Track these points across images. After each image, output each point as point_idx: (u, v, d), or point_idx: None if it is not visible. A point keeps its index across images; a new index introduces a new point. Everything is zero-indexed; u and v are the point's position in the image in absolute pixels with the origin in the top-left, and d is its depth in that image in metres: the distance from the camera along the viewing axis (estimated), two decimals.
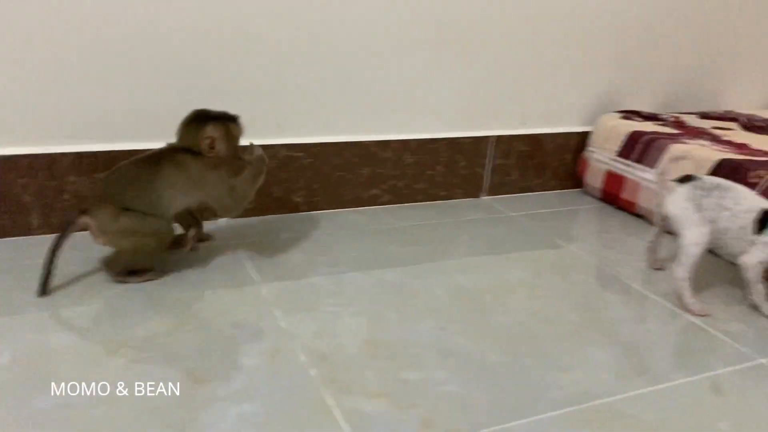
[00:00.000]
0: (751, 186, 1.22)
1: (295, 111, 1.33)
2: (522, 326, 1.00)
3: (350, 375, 0.86)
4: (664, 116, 1.59)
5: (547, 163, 1.62)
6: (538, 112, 1.58)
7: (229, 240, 1.24)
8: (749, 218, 1.06)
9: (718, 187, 1.10)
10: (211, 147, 1.05)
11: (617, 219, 1.49)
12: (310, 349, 0.91)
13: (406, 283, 1.11)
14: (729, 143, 1.41)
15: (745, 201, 1.08)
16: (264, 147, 1.30)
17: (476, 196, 1.57)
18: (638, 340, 0.99)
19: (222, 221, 1.31)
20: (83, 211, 1.02)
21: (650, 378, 0.89)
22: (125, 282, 1.06)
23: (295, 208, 1.39)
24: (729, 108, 1.82)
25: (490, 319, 1.02)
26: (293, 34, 1.27)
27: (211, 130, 1.05)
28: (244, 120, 1.08)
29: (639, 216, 1.48)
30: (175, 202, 1.05)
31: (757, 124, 1.61)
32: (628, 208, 1.49)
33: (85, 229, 1.02)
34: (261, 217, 1.36)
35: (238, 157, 1.10)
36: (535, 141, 1.58)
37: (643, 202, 1.43)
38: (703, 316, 1.08)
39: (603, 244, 1.35)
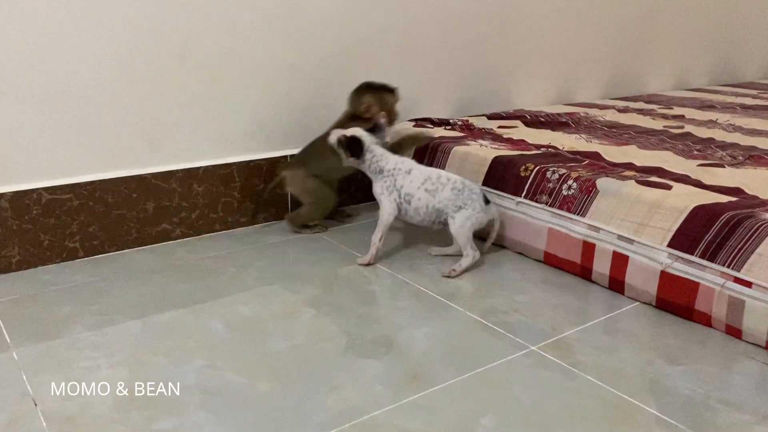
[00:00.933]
0: (522, 179, 1.28)
1: (49, 150, 1.22)
2: (299, 350, 0.97)
3: None
4: (454, 121, 1.64)
5: (351, 178, 1.61)
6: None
7: None
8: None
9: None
10: (366, 111, 1.36)
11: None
12: (54, 413, 0.81)
13: (182, 322, 1.04)
14: (509, 141, 1.48)
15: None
16: (22, 192, 1.19)
17: (282, 218, 1.53)
18: (416, 346, 0.98)
19: None
20: (285, 167, 1.42)
21: (421, 384, 0.88)
22: (300, 232, 1.43)
23: (72, 255, 1.27)
24: (519, 107, 1.93)
25: (267, 347, 0.97)
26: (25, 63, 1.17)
27: (368, 98, 1.37)
28: None
29: None
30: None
31: (540, 119, 1.71)
32: None
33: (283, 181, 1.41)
34: (29, 270, 1.22)
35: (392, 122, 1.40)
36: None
37: None
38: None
39: (402, 252, 1.35)
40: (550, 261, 1.24)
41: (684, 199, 1.06)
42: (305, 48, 1.48)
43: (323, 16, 1.49)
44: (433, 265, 1.27)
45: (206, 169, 1.38)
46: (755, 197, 1.08)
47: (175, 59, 1.31)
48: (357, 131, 1.27)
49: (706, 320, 1.03)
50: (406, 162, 1.28)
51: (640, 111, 1.89)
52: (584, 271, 1.19)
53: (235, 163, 1.42)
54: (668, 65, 2.44)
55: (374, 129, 1.31)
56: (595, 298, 1.16)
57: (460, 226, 1.22)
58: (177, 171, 1.35)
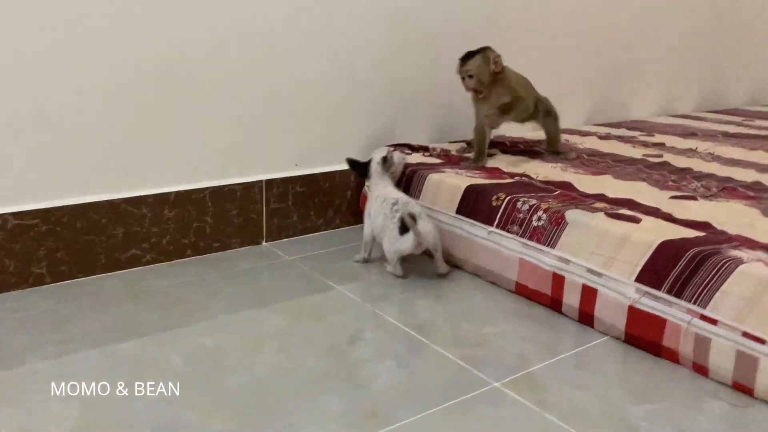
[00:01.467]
0: (494, 209, 1.27)
1: (17, 175, 1.21)
2: (259, 384, 0.95)
3: None
4: (433, 147, 1.64)
5: (328, 202, 1.61)
6: (311, 152, 1.57)
7: None
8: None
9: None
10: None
11: None
12: None
13: (143, 353, 1.02)
14: (483, 168, 1.47)
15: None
16: None
17: (257, 243, 1.52)
18: (378, 381, 0.96)
19: None
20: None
21: (378, 422, 0.87)
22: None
23: (39, 281, 1.25)
24: (500, 134, 1.92)
25: (226, 381, 0.95)
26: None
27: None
28: None
29: None
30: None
31: (519, 146, 1.71)
32: None
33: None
34: None
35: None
36: (311, 181, 1.56)
37: None
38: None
39: (374, 280, 1.34)
40: (522, 291, 1.23)
41: (652, 234, 1.05)
42: (281, 73, 1.48)
43: (300, 43, 1.49)
44: (404, 294, 1.26)
45: (178, 194, 1.37)
46: (723, 232, 1.07)
47: (147, 83, 1.30)
48: (377, 152, 1.41)
49: (674, 357, 1.02)
50: (386, 189, 1.35)
51: (621, 138, 1.89)
52: (554, 303, 1.18)
53: (208, 187, 1.41)
54: (653, 91, 2.45)
55: (385, 159, 1.41)
56: (564, 331, 1.14)
57: (388, 257, 1.31)
58: (148, 196, 1.33)
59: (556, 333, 1.14)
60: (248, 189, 1.47)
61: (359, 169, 1.41)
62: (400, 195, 1.33)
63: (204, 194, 1.41)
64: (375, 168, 1.39)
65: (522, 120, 1.60)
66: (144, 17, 1.27)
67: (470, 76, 1.48)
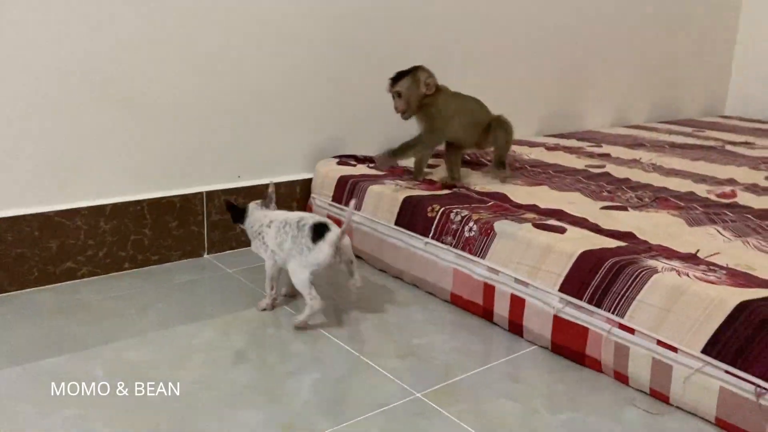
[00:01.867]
0: (429, 220, 1.28)
1: None
2: (177, 399, 0.94)
3: None
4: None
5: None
6: (255, 163, 1.56)
7: None
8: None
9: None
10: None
11: None
12: None
13: (64, 368, 1.01)
14: (423, 180, 1.48)
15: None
16: None
17: (199, 255, 1.51)
18: (300, 393, 0.96)
19: None
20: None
21: None
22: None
23: None
24: None
25: (144, 396, 0.94)
26: None
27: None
28: None
29: (357, 257, 1.50)
30: None
31: (466, 156, 1.72)
32: None
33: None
34: None
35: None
36: (255, 193, 1.55)
37: (357, 243, 1.45)
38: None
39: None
40: (456, 302, 1.24)
41: (574, 244, 1.07)
42: (223, 83, 1.47)
43: (243, 54, 1.49)
44: (341, 306, 1.26)
45: (114, 206, 1.36)
46: (645, 242, 1.09)
47: (81, 93, 1.29)
48: (251, 204, 1.27)
49: (597, 366, 1.03)
50: (269, 215, 1.23)
51: (568, 149, 1.91)
52: (486, 313, 1.18)
53: (146, 199, 1.40)
54: (608, 101, 2.48)
55: (266, 198, 1.29)
56: (495, 341, 1.15)
57: (298, 281, 1.16)
58: (82, 209, 1.32)
59: (486, 343, 1.15)
60: (188, 201, 1.46)
61: (234, 213, 1.28)
62: (302, 213, 1.22)
63: (142, 206, 1.39)
64: (253, 208, 1.26)
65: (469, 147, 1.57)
66: (80, 27, 1.26)
67: (399, 96, 1.43)
